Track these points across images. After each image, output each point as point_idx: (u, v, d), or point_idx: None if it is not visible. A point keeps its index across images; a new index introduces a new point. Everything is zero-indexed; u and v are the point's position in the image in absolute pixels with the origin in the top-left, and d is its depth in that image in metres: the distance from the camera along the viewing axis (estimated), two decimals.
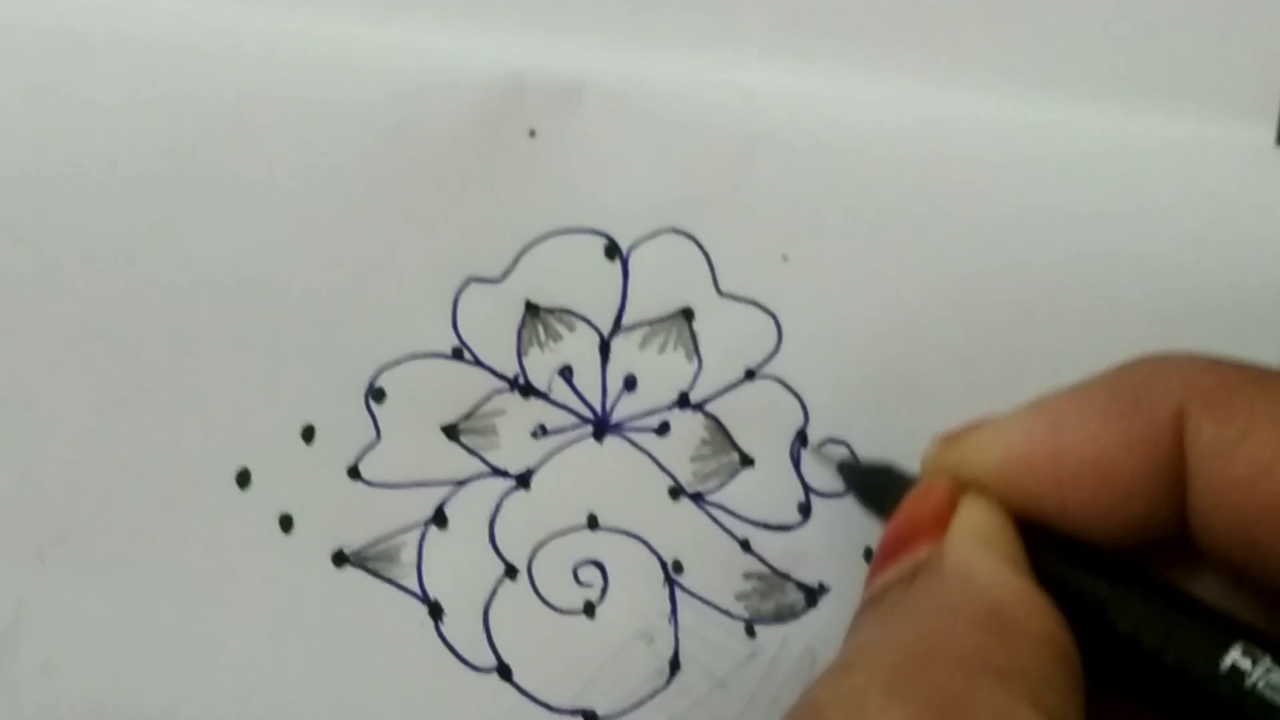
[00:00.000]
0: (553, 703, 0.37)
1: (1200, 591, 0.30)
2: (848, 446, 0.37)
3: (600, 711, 0.37)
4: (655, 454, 0.37)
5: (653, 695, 0.37)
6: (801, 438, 0.37)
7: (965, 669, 0.27)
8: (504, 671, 0.37)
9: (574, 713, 0.37)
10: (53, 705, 0.36)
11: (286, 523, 0.36)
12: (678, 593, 0.37)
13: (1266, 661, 0.27)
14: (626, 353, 0.37)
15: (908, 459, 0.34)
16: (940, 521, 0.30)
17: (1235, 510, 0.29)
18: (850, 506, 0.36)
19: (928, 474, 0.32)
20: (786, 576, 0.37)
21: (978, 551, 0.29)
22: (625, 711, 0.37)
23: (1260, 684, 0.27)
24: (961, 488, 0.31)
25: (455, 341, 0.37)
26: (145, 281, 0.36)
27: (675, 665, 0.37)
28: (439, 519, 0.37)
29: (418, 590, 0.37)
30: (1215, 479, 0.29)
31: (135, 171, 0.36)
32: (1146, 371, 0.30)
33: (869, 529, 0.36)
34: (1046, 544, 0.30)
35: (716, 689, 0.37)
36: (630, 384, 0.37)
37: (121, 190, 0.36)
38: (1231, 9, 0.37)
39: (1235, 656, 0.28)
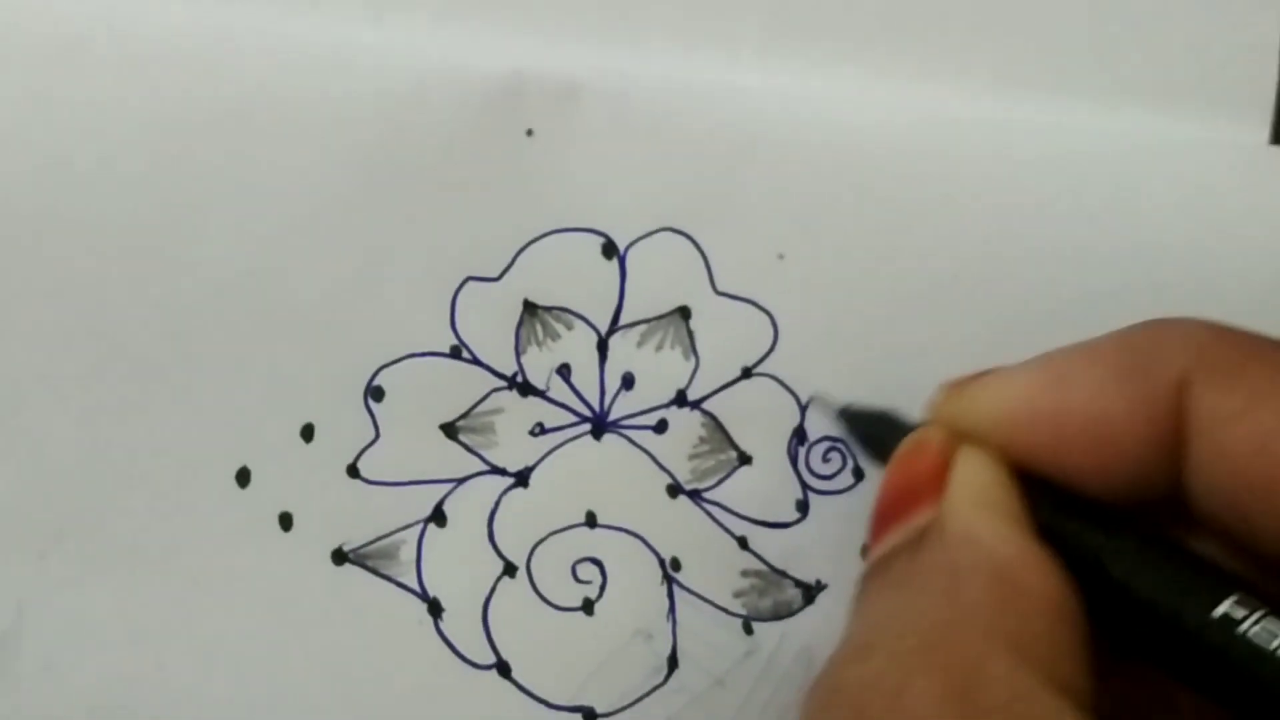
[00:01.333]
0: (551, 700, 0.37)
1: (1195, 550, 0.30)
2: (844, 444, 0.37)
3: (599, 709, 0.37)
4: (653, 452, 0.37)
5: (651, 692, 0.37)
6: (799, 435, 0.37)
7: (979, 643, 0.27)
8: (503, 669, 0.37)
9: (573, 710, 0.37)
10: (54, 704, 0.36)
11: (286, 521, 0.36)
12: (676, 590, 0.37)
13: (1259, 611, 0.27)
14: (624, 351, 0.37)
15: None
16: (938, 480, 0.30)
17: (1231, 481, 0.29)
18: (848, 503, 0.36)
19: (928, 420, 0.32)
20: (784, 574, 0.37)
21: (979, 514, 0.29)
22: (623, 708, 0.37)
23: (1251, 630, 0.27)
24: (958, 441, 0.31)
25: (454, 340, 0.37)
26: (144, 281, 0.36)
27: (673, 662, 0.37)
28: (438, 517, 0.37)
29: (417, 588, 0.37)
30: (1214, 449, 0.29)
31: (134, 172, 0.36)
32: (1155, 334, 0.30)
33: (867, 526, 0.36)
34: (1043, 494, 0.30)
35: (714, 686, 0.37)
36: (628, 382, 0.37)
37: (121, 190, 0.36)
38: (1225, 9, 0.37)
39: (1228, 606, 0.28)
